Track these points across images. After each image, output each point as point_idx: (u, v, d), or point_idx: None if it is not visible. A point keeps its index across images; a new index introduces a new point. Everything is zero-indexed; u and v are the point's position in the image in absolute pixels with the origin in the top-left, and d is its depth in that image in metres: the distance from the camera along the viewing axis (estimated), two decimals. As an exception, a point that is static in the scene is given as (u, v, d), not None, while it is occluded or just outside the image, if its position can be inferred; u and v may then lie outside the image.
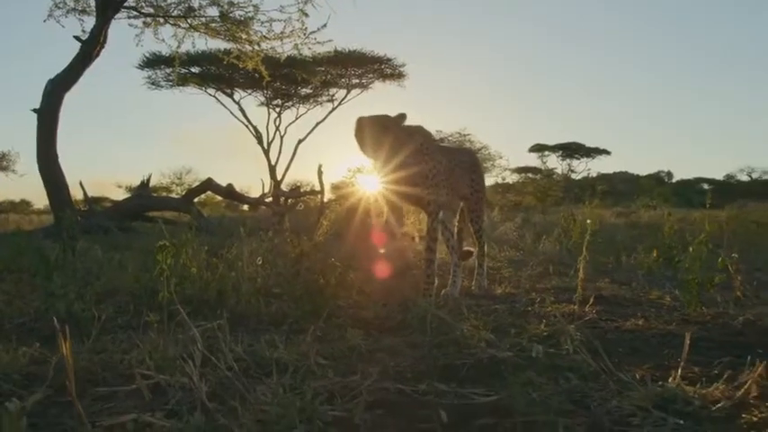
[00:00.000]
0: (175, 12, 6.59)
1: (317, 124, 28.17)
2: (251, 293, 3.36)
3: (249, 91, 30.27)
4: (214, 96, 30.55)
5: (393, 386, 1.91)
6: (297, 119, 29.95)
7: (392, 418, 1.66)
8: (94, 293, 3.54)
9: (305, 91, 29.66)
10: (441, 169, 3.87)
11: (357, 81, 30.39)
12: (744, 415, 1.66)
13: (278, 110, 30.56)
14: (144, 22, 6.85)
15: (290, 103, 30.43)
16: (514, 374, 2.10)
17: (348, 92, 30.79)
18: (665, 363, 2.30)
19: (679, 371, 1.99)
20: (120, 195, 35.87)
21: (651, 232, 9.16)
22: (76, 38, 6.01)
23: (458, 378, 2.08)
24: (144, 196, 14.75)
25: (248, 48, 7.21)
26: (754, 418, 1.62)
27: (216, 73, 27.85)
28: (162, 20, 6.73)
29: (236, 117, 30.68)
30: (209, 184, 14.74)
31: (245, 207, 32.79)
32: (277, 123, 30.22)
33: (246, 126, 31.12)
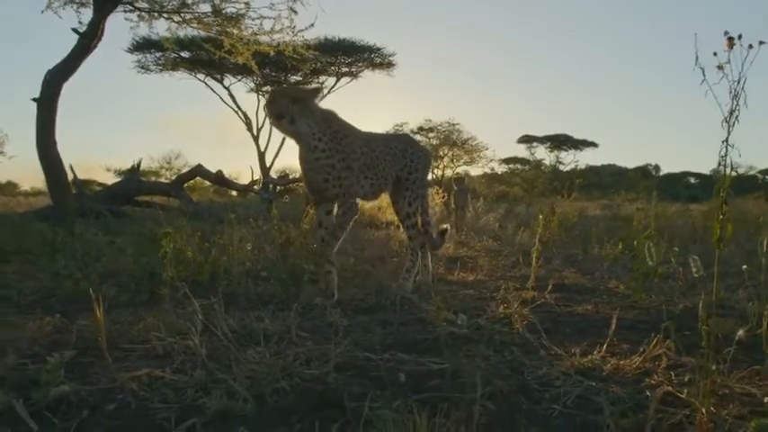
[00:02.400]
0: (169, 6, 6.87)
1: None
2: (241, 276, 3.69)
3: (239, 77, 30.36)
4: (204, 82, 30.62)
5: (362, 354, 2.26)
6: (287, 106, 29.94)
7: (358, 379, 2.00)
8: (97, 275, 3.86)
9: (295, 78, 29.81)
10: (354, 160, 3.70)
11: (347, 69, 30.58)
12: (647, 379, 2.03)
13: (268, 96, 30.65)
14: (139, 16, 7.12)
15: (282, 91, 30.39)
16: (467, 347, 2.46)
17: (338, 80, 30.95)
18: (601, 341, 2.64)
19: (604, 346, 2.36)
20: (109, 179, 35.89)
21: (627, 225, 9.55)
22: (75, 30, 6.27)
23: (419, 350, 2.43)
24: (134, 180, 14.98)
25: (238, 44, 7.49)
26: (653, 381, 1.99)
27: (206, 58, 27.82)
28: (156, 14, 7.02)
29: (225, 103, 30.72)
30: (198, 170, 14.96)
31: (234, 193, 33.01)
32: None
33: (236, 112, 31.18)
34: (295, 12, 7.27)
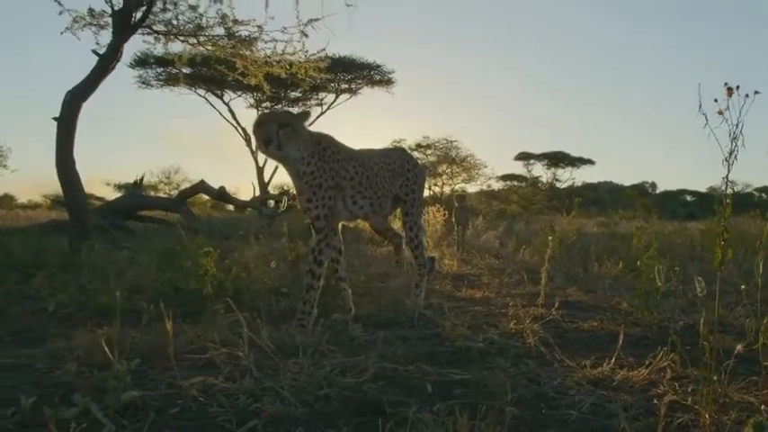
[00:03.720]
0: (185, 29, 7.11)
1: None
2: (265, 292, 3.88)
3: (239, 93, 30.75)
4: (204, 97, 30.96)
5: (390, 366, 2.45)
6: (285, 122, 30.25)
7: (390, 388, 2.19)
8: (124, 289, 4.04)
9: (294, 94, 30.16)
10: (343, 183, 3.64)
11: (346, 86, 30.98)
12: (654, 389, 2.22)
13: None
14: (155, 38, 7.37)
15: (279, 105, 30.69)
16: (485, 360, 2.66)
17: (337, 96, 31.34)
18: (608, 355, 2.83)
19: (613, 359, 2.56)
20: (107, 193, 36.06)
21: (626, 243, 9.75)
22: (95, 52, 6.51)
23: (440, 362, 2.62)
24: (136, 195, 15.19)
25: (252, 66, 7.74)
26: (659, 391, 2.18)
27: (206, 74, 28.09)
28: (173, 36, 7.27)
29: (225, 118, 31.06)
30: (201, 186, 15.18)
31: (231, 208, 33.17)
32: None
33: (235, 128, 31.53)
34: (306, 35, 7.54)
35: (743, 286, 2.88)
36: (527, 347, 2.92)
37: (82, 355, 2.43)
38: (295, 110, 3.86)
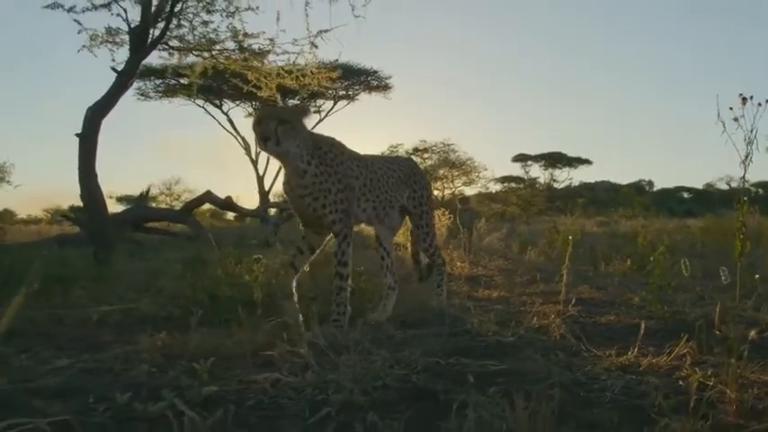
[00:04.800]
0: (199, 44, 7.32)
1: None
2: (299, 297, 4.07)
3: (237, 102, 30.99)
4: (202, 107, 31.18)
5: (431, 360, 2.65)
6: (284, 129, 30.36)
7: (435, 378, 2.39)
8: (162, 297, 4.25)
9: (292, 101, 30.40)
10: (352, 182, 3.64)
11: (344, 93, 31.24)
12: (677, 373, 2.43)
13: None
14: (169, 53, 7.61)
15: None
16: (516, 352, 2.86)
17: (335, 103, 31.60)
18: (629, 345, 3.03)
19: (636, 348, 2.76)
20: (111, 205, 36.16)
21: (628, 242, 9.98)
22: (113, 69, 6.73)
23: (475, 356, 2.82)
24: (143, 207, 15.40)
25: (266, 78, 7.98)
26: (683, 374, 2.39)
27: (205, 84, 28.17)
28: (186, 51, 7.50)
29: (224, 127, 31.24)
30: (208, 197, 15.40)
31: (231, 217, 33.36)
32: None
33: (235, 137, 31.75)
34: (316, 46, 7.76)
35: (756, 276, 3.08)
36: (553, 341, 3.13)
37: (147, 358, 2.63)
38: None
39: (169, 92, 30.32)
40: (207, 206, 19.50)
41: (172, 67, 8.54)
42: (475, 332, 3.34)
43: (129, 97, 26.51)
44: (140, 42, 6.73)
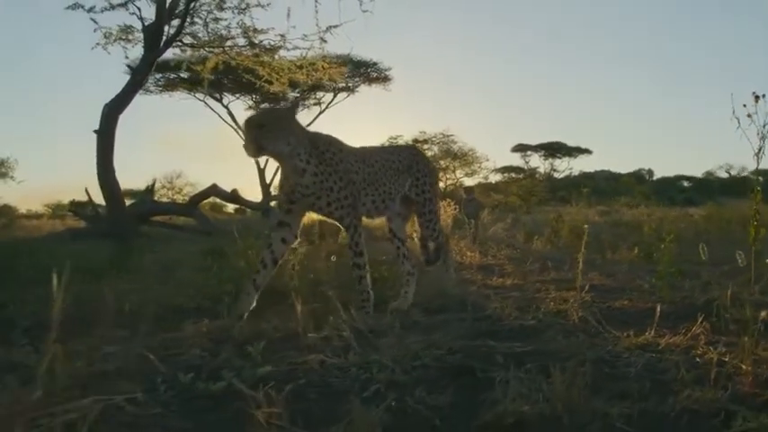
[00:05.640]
0: (212, 41, 7.48)
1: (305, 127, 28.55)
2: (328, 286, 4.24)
3: (237, 95, 31.07)
4: (203, 101, 31.23)
5: (462, 342, 2.82)
6: (284, 122, 30.39)
7: (469, 358, 2.56)
8: (191, 288, 4.42)
9: (293, 94, 30.50)
10: (353, 177, 3.69)
11: (344, 85, 31.32)
12: (693, 351, 2.60)
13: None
14: (181, 50, 7.77)
15: (279, 107, 30.79)
16: (539, 335, 3.04)
17: (335, 95, 31.68)
18: (644, 328, 3.19)
19: (653, 330, 2.93)
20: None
21: (633, 230, 10.16)
22: (129, 66, 6.92)
23: (500, 338, 2.99)
24: (149, 201, 15.56)
25: (278, 73, 8.13)
26: (699, 351, 2.57)
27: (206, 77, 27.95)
28: (199, 47, 7.66)
29: (224, 121, 31.30)
30: (214, 190, 15.53)
31: (231, 210, 33.47)
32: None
33: (235, 130, 31.81)
34: (325, 41, 7.92)
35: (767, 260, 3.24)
36: (572, 323, 3.30)
37: (197, 343, 2.80)
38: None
39: (169, 85, 30.37)
40: (207, 199, 19.61)
41: (187, 62, 8.65)
42: (496, 317, 3.51)
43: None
44: (155, 40, 6.88)
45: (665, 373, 2.29)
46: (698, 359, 2.46)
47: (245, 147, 3.38)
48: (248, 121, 3.45)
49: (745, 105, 2.09)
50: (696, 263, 5.88)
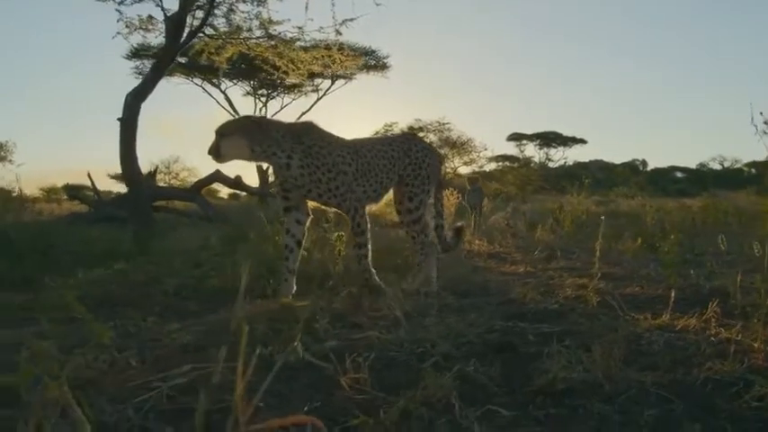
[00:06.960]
0: (231, 33, 7.68)
1: (302, 114, 28.51)
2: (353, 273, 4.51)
3: (235, 81, 31.05)
4: (200, 86, 31.15)
5: (495, 322, 3.10)
6: (282, 109, 30.44)
7: (504, 337, 2.84)
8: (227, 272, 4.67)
9: (290, 81, 30.52)
10: (344, 168, 3.79)
11: (341, 72, 31.34)
12: (707, 331, 2.89)
13: (264, 100, 30.92)
14: (200, 39, 7.94)
15: (276, 93, 30.82)
16: (562, 317, 3.32)
17: (333, 82, 31.65)
18: (658, 312, 3.47)
19: (668, 314, 3.22)
20: (110, 184, 36.32)
21: (632, 221, 10.45)
22: (152, 55, 7.08)
23: (527, 320, 3.26)
24: (151, 187, 15.70)
25: (296, 63, 8.36)
26: (713, 331, 2.86)
27: (204, 64, 28.03)
28: (218, 38, 7.86)
29: (222, 106, 31.23)
30: (217, 176, 15.72)
31: (226, 195, 33.53)
32: (263, 113, 30.70)
33: (233, 116, 31.73)
34: (340, 33, 8.14)
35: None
36: (592, 307, 3.58)
37: (256, 320, 3.07)
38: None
39: (167, 70, 30.25)
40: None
41: (207, 52, 8.82)
42: (520, 301, 3.79)
43: (126, 76, 26.34)
44: (177, 29, 7.08)
45: (685, 349, 2.58)
46: (713, 338, 2.75)
47: (209, 153, 3.70)
48: (216, 130, 3.71)
49: (761, 113, 2.35)
50: (697, 253, 6.21)
